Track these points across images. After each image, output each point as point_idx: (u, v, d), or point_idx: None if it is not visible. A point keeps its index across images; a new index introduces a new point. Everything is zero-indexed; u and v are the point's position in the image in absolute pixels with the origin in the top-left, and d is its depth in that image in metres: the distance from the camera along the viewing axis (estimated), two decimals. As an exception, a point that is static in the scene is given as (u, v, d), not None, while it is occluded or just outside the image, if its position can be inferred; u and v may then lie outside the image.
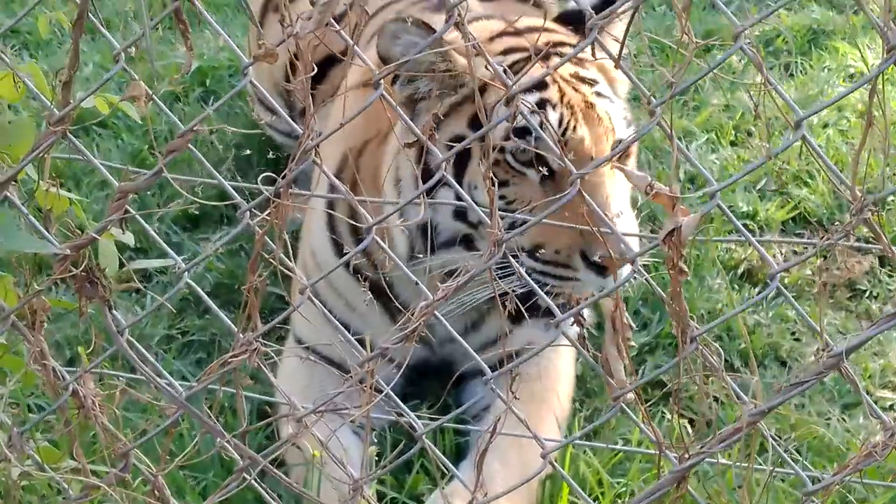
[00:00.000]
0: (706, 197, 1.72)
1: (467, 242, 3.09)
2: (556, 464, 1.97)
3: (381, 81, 1.75)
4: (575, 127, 2.95)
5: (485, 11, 3.70)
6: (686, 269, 1.64)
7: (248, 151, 4.83)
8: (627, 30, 1.60)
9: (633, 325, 1.77)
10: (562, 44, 3.08)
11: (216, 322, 3.96)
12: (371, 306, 3.06)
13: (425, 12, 3.94)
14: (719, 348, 1.64)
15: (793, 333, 3.95)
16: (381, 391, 2.03)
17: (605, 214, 2.56)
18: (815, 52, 5.59)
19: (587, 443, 3.08)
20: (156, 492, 2.05)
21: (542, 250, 2.92)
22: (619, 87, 3.21)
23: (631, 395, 1.81)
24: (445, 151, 2.76)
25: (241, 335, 1.83)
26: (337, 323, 2.14)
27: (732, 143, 4.94)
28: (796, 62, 5.49)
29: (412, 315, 1.86)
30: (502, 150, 2.93)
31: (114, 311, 1.97)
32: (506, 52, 3.08)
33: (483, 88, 2.96)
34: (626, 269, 2.82)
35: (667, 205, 1.66)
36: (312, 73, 1.69)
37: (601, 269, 2.84)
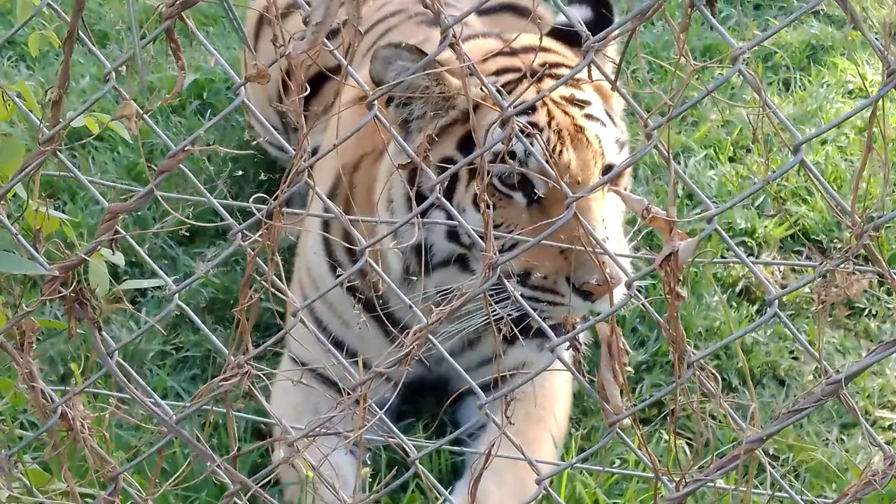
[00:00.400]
0: (704, 218, 1.69)
1: (462, 262, 3.07)
2: (551, 489, 1.93)
3: (375, 102, 1.72)
4: (562, 151, 2.92)
5: (482, 27, 3.68)
6: (683, 294, 1.61)
7: (241, 170, 4.80)
8: (624, 53, 1.58)
9: (629, 350, 1.74)
10: (557, 64, 3.06)
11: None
12: (366, 324, 3.04)
13: (422, 26, 3.92)
14: (717, 373, 1.60)
15: (791, 352, 3.92)
16: (375, 413, 2.00)
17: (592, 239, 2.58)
18: (813, 68, 5.58)
19: (583, 465, 3.04)
20: (146, 514, 2.02)
21: (530, 275, 2.90)
22: (617, 104, 3.19)
23: (627, 420, 1.79)
24: (436, 173, 2.79)
25: (231, 357, 1.80)
26: (330, 346, 2.12)
27: (731, 159, 4.92)
28: (795, 78, 5.47)
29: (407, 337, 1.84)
30: (488, 172, 2.92)
31: (103, 333, 1.94)
32: (499, 72, 3.05)
33: (474, 109, 2.99)
34: (618, 293, 2.78)
35: (664, 229, 1.64)
36: (305, 93, 1.66)
37: (587, 295, 2.82)
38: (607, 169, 2.97)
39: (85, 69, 5.60)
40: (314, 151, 3.96)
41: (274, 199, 1.71)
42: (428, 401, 3.61)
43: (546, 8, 4.44)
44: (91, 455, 1.98)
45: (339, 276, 1.98)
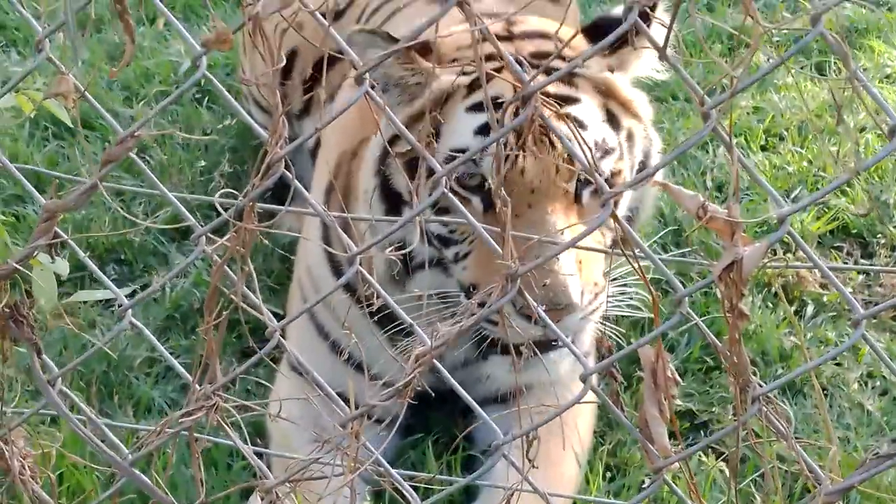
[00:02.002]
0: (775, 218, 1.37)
1: (443, 266, 2.77)
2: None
3: (366, 76, 1.41)
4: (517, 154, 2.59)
5: (498, 7, 3.37)
6: (747, 313, 1.30)
7: (240, 163, 4.49)
8: (675, 15, 1.26)
9: (679, 378, 1.42)
10: (551, 55, 2.70)
11: (205, 342, 3.62)
12: (368, 327, 2.82)
13: (433, 5, 3.67)
14: (787, 409, 1.28)
15: (833, 358, 3.59)
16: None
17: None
18: (849, 52, 5.24)
19: (611, 502, 2.72)
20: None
21: (476, 289, 2.60)
22: (639, 108, 2.83)
23: (676, 465, 1.47)
24: (404, 173, 2.58)
25: (196, 386, 1.49)
26: (317, 378, 1.80)
27: (763, 148, 4.58)
28: (828, 62, 5.13)
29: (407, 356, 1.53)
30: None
31: (43, 356, 1.63)
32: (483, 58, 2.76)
33: (445, 99, 2.67)
34: (571, 321, 2.57)
35: (724, 232, 1.33)
36: (281, 65, 1.34)
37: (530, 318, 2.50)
38: (585, 183, 2.65)
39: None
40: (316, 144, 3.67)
41: (244, 196, 1.39)
42: (438, 413, 3.29)
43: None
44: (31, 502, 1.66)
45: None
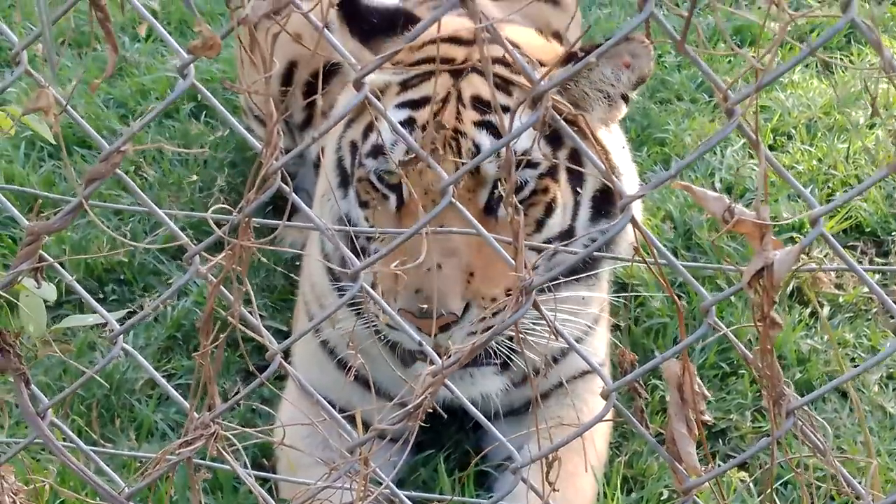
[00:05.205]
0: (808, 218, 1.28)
1: None
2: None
3: (365, 81, 1.32)
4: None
5: (497, 10, 3.29)
6: (780, 321, 1.21)
7: (242, 177, 4.41)
8: (693, 6, 1.18)
9: (708, 395, 1.33)
10: (497, 60, 2.60)
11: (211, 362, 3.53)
12: (374, 343, 2.71)
13: (431, 11, 3.58)
14: (825, 422, 1.19)
15: (853, 360, 3.50)
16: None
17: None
18: (854, 47, 5.16)
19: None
20: None
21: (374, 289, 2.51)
22: (603, 138, 2.75)
23: (706, 485, 1.38)
24: (348, 155, 2.75)
25: (195, 414, 1.40)
26: (323, 403, 1.71)
27: (771, 148, 4.49)
28: (833, 58, 5.04)
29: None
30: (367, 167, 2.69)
31: (32, 387, 1.54)
32: (419, 62, 2.68)
33: (379, 94, 2.64)
34: (458, 333, 2.44)
35: (753, 235, 1.24)
36: (274, 69, 1.25)
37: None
38: (491, 193, 2.57)
39: (71, 73, 5.18)
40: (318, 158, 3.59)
41: (239, 211, 1.30)
42: (450, 427, 3.20)
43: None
44: (24, 542, 1.58)
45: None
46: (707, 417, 1.31)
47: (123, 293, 3.91)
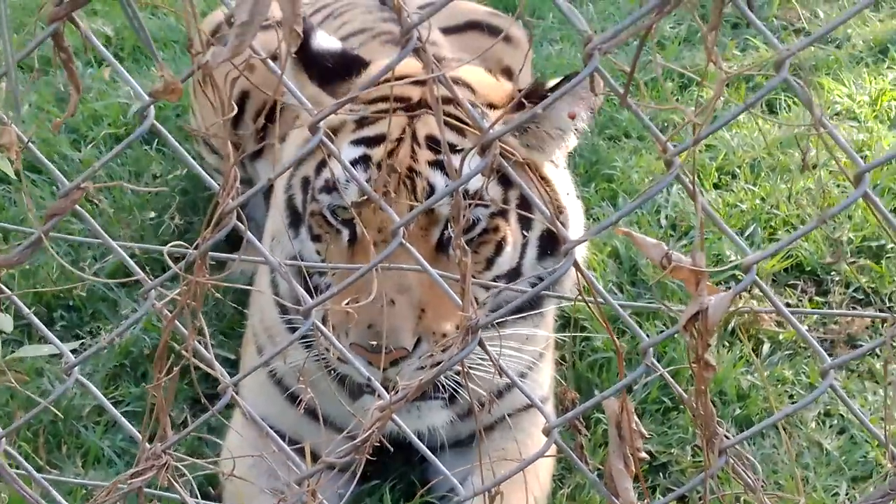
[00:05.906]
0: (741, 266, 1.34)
1: None
2: None
3: (321, 125, 1.37)
4: (384, 193, 2.54)
5: (453, 51, 3.36)
6: (713, 363, 1.26)
7: (194, 203, 4.43)
8: (636, 59, 1.24)
9: (644, 432, 1.39)
10: (448, 100, 2.65)
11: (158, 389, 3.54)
12: (324, 377, 2.72)
13: (387, 46, 3.68)
14: (762, 457, 1.25)
15: (791, 396, 3.58)
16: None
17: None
18: (813, 97, 5.27)
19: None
20: None
21: (325, 322, 2.56)
22: (550, 176, 2.81)
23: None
24: (300, 193, 2.79)
25: (147, 445, 1.44)
26: (272, 436, 1.74)
27: (716, 186, 4.58)
28: (778, 99, 5.16)
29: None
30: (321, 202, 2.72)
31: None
32: (375, 100, 2.72)
33: (335, 132, 2.70)
34: (407, 368, 2.46)
35: (689, 281, 1.29)
36: (233, 113, 1.30)
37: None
38: (444, 232, 2.62)
39: (24, 97, 5.17)
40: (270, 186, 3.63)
41: (195, 248, 1.34)
42: (396, 459, 3.23)
43: (518, 27, 4.12)
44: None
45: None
46: (643, 455, 1.36)
47: (72, 319, 3.91)
